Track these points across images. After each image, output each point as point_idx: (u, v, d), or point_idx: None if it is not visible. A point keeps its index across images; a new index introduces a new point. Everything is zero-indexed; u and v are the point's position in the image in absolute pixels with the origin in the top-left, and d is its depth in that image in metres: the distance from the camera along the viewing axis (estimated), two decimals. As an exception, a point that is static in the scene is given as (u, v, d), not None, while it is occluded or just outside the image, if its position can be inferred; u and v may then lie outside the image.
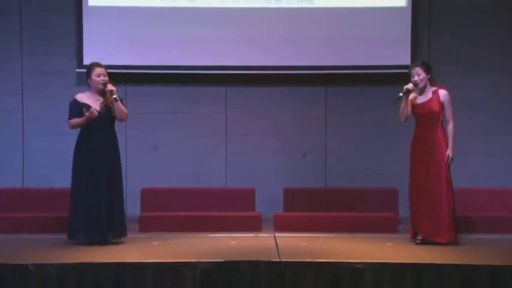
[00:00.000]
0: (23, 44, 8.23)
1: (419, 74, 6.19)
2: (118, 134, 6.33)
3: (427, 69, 6.24)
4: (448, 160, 6.15)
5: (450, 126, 6.22)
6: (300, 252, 5.75)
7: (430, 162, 6.17)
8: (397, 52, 8.08)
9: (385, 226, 7.01)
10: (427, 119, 6.21)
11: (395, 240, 6.44)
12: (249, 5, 8.17)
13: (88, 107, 6.08)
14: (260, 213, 7.28)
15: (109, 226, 6.12)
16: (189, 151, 8.29)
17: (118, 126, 6.37)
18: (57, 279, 5.06)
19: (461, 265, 5.18)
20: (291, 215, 7.29)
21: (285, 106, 8.34)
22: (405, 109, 6.24)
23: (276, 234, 6.73)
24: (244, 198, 7.49)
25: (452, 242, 6.10)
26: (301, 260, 5.25)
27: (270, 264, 5.20)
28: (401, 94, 6.17)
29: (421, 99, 6.25)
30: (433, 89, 6.26)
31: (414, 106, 6.24)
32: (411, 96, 6.23)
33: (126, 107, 6.30)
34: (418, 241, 6.18)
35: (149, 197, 7.48)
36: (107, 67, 6.30)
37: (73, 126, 6.18)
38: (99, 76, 6.15)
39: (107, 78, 6.17)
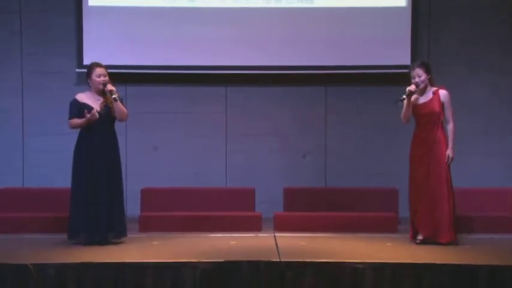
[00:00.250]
0: (23, 43, 8.23)
1: (420, 75, 6.19)
2: (118, 134, 6.33)
3: (428, 70, 6.24)
4: (448, 160, 6.15)
5: (450, 126, 6.23)
6: (300, 252, 5.76)
7: (430, 162, 6.17)
8: (397, 52, 8.08)
9: (385, 226, 7.01)
10: (427, 119, 6.21)
11: (395, 240, 6.44)
12: (248, 4, 8.17)
13: (88, 107, 6.08)
14: (260, 213, 7.28)
15: (109, 226, 6.12)
16: (189, 151, 8.29)
17: (118, 126, 6.37)
18: (57, 279, 5.06)
19: (461, 265, 5.19)
20: (291, 215, 7.29)
21: (285, 106, 8.33)
22: (407, 111, 6.24)
23: (276, 234, 6.73)
24: (244, 198, 7.49)
25: (453, 242, 6.11)
26: (301, 260, 5.26)
27: (270, 264, 5.20)
28: (404, 96, 6.17)
29: (421, 100, 6.26)
30: (433, 89, 6.26)
31: (415, 106, 6.24)
32: (413, 97, 6.23)
33: (126, 107, 6.30)
34: (418, 241, 6.18)
35: (149, 197, 7.48)
36: (107, 67, 6.30)
37: (73, 127, 6.18)
38: (99, 76, 6.15)
39: (107, 78, 6.18)
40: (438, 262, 5.22)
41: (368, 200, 7.49)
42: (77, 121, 6.12)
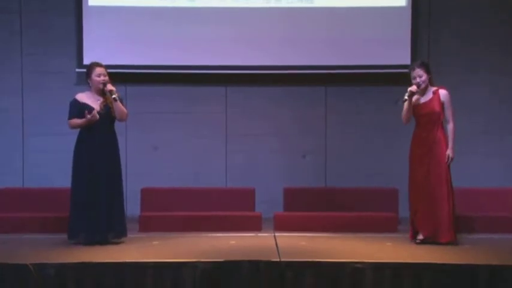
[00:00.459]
0: (23, 43, 8.23)
1: (420, 76, 6.19)
2: (118, 134, 6.33)
3: (428, 70, 6.24)
4: (448, 160, 6.15)
5: (450, 126, 6.23)
6: (300, 252, 5.76)
7: (430, 162, 6.17)
8: (397, 52, 8.08)
9: (385, 226, 7.01)
10: (427, 119, 6.21)
11: (395, 240, 6.44)
12: (248, 4, 8.17)
13: (88, 107, 6.08)
14: (260, 213, 7.28)
15: (109, 226, 6.12)
16: (189, 151, 8.29)
17: (118, 126, 6.37)
18: (57, 279, 5.06)
19: (461, 265, 5.19)
20: (291, 215, 7.29)
21: (285, 106, 8.33)
22: (408, 112, 6.24)
23: (276, 234, 6.73)
24: (244, 198, 7.49)
25: (452, 242, 6.11)
26: (301, 260, 5.26)
27: (270, 264, 5.20)
28: (406, 97, 6.17)
29: (421, 100, 6.26)
30: (433, 89, 6.26)
31: (415, 106, 6.24)
32: (414, 98, 6.23)
33: (126, 107, 6.30)
34: (418, 241, 6.18)
35: (149, 196, 7.48)
36: (107, 67, 6.30)
37: (73, 127, 6.18)
38: (99, 76, 6.15)
39: (107, 78, 6.18)
40: (438, 262, 5.22)
41: (368, 200, 7.49)
42: (77, 121, 6.12)
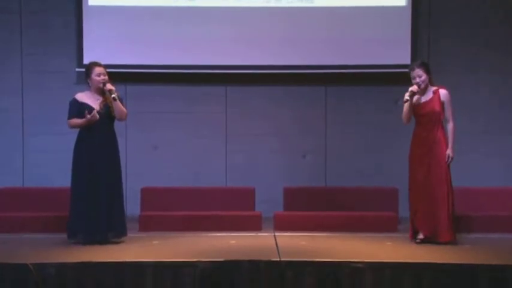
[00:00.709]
0: (22, 43, 8.23)
1: (420, 76, 6.19)
2: (118, 134, 6.33)
3: (427, 70, 6.25)
4: (448, 160, 6.16)
5: (450, 126, 6.23)
6: (300, 251, 5.76)
7: (430, 162, 6.18)
8: (397, 52, 8.08)
9: (385, 225, 7.01)
10: (427, 119, 6.21)
11: (395, 239, 6.45)
12: (249, 4, 8.17)
13: (88, 106, 6.08)
14: (260, 212, 7.28)
15: (109, 226, 6.12)
16: (189, 151, 8.29)
17: (118, 125, 6.37)
18: (57, 278, 5.06)
19: (461, 264, 5.19)
20: (291, 215, 7.29)
21: (285, 106, 8.33)
22: (409, 112, 6.23)
23: (276, 234, 6.73)
24: (244, 197, 7.49)
25: (452, 242, 6.11)
26: (301, 260, 5.26)
27: (270, 263, 5.20)
28: (407, 98, 6.17)
29: (421, 99, 6.26)
30: (433, 88, 6.26)
31: (415, 106, 6.25)
32: (415, 98, 6.23)
33: (125, 107, 6.30)
34: (418, 240, 6.18)
35: (149, 196, 7.48)
36: (107, 67, 6.30)
37: (72, 126, 6.18)
38: (99, 75, 6.15)
39: (106, 77, 6.18)
40: (438, 262, 5.22)
41: (368, 200, 7.49)
42: (76, 121, 6.12)
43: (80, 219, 6.08)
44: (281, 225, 7.10)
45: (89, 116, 6.00)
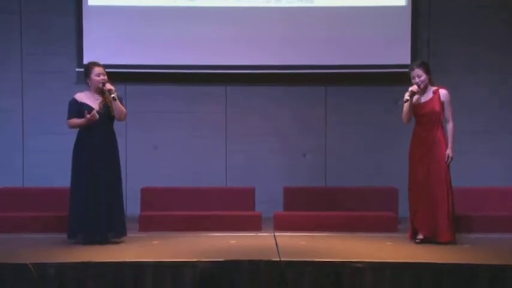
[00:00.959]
0: (22, 43, 8.23)
1: (420, 76, 6.19)
2: (118, 134, 6.34)
3: (427, 70, 6.24)
4: (448, 160, 6.16)
5: (450, 126, 6.23)
6: (300, 251, 5.76)
7: (430, 162, 6.18)
8: (397, 51, 8.08)
9: (385, 225, 7.01)
10: (427, 119, 6.21)
11: (395, 239, 6.44)
12: (249, 4, 8.17)
13: (87, 106, 6.08)
14: (260, 212, 7.28)
15: (109, 226, 6.12)
16: (189, 151, 8.29)
17: (118, 125, 6.38)
18: (57, 278, 5.06)
19: (461, 264, 5.19)
20: (290, 215, 7.29)
21: (285, 106, 8.33)
22: (409, 111, 6.23)
23: (276, 234, 6.73)
24: (244, 197, 7.49)
25: (452, 242, 6.10)
26: (301, 260, 5.26)
27: (270, 263, 5.20)
28: (407, 97, 6.16)
29: (421, 99, 6.26)
30: (433, 88, 6.26)
31: (415, 106, 6.24)
32: (415, 98, 6.23)
33: (125, 107, 6.30)
34: (417, 240, 6.18)
35: (149, 196, 7.48)
36: (106, 67, 6.31)
37: (72, 126, 6.18)
38: (98, 75, 6.15)
39: (106, 77, 6.18)
40: (438, 262, 5.22)
41: (368, 200, 7.49)
42: (76, 121, 6.12)
43: (79, 219, 6.08)
44: (281, 225, 7.10)
45: (88, 116, 6.00)
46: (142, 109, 8.14)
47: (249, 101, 8.34)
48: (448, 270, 5.12)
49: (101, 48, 8.02)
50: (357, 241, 6.37)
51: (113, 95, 6.10)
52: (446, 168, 6.17)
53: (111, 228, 6.15)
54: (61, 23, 8.21)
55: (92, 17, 8.12)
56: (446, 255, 5.57)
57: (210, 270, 5.13)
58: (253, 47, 8.14)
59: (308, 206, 7.41)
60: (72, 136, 6.26)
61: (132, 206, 7.45)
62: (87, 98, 6.19)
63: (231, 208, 7.35)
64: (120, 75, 7.76)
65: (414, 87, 6.19)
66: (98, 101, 6.16)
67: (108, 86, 6.13)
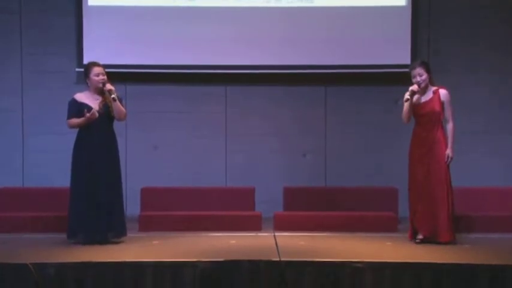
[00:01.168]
0: (22, 43, 8.23)
1: (421, 75, 6.19)
2: (118, 134, 6.34)
3: (428, 69, 6.25)
4: (447, 160, 6.16)
5: (450, 126, 6.23)
6: (300, 251, 5.76)
7: (430, 162, 6.18)
8: (397, 51, 8.08)
9: (385, 225, 7.01)
10: (427, 119, 6.21)
11: (395, 239, 6.44)
12: (249, 4, 8.17)
13: (87, 106, 6.09)
14: (260, 212, 7.28)
15: (109, 226, 6.12)
16: (189, 151, 8.29)
17: (118, 125, 6.38)
18: (57, 278, 5.06)
19: (461, 264, 5.19)
20: (290, 215, 7.29)
21: (285, 106, 8.33)
22: (409, 111, 6.23)
23: (276, 234, 6.73)
24: (244, 197, 7.49)
25: (452, 242, 6.10)
26: (301, 260, 5.26)
27: (270, 263, 5.20)
28: (408, 97, 6.16)
29: (421, 99, 6.26)
30: (434, 88, 6.26)
31: (415, 106, 6.24)
32: (415, 97, 6.23)
33: (125, 107, 6.30)
34: (417, 240, 6.18)
35: (149, 196, 7.48)
36: (107, 67, 6.31)
37: (72, 126, 6.19)
38: (97, 75, 6.15)
39: (105, 77, 6.18)
40: (438, 262, 5.22)
41: (368, 200, 7.49)
42: (76, 121, 6.12)
43: (79, 219, 6.08)
44: (281, 225, 7.10)
45: (88, 115, 6.00)
46: (142, 109, 8.14)
47: (249, 101, 8.33)
48: (448, 270, 5.12)
49: (101, 48, 8.02)
50: (357, 241, 6.37)
51: (112, 96, 6.10)
52: (446, 168, 6.16)
53: (111, 228, 6.15)
54: (61, 23, 8.20)
55: (92, 17, 8.12)
56: (446, 255, 5.57)
57: (210, 270, 5.13)
58: (253, 47, 8.13)
59: (308, 206, 7.41)
60: (72, 136, 6.26)
61: (132, 206, 7.45)
62: (87, 98, 6.19)
63: (231, 208, 7.35)
64: (120, 75, 7.76)
65: (415, 87, 6.19)
66: (98, 101, 6.16)
67: (108, 86, 6.13)
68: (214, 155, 8.31)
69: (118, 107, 6.15)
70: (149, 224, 7.04)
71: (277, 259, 5.27)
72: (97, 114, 6.04)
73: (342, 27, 8.14)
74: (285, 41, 8.13)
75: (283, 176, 8.15)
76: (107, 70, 6.28)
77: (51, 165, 7.96)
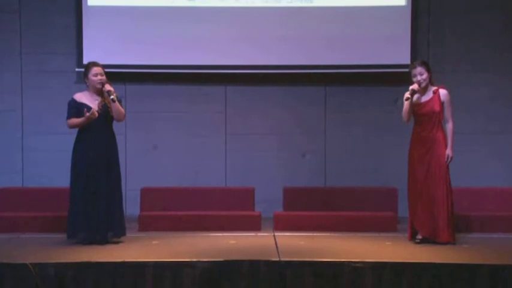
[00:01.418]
0: (22, 43, 8.22)
1: (422, 74, 6.19)
2: (117, 133, 6.34)
3: (428, 68, 6.25)
4: (447, 160, 6.16)
5: (449, 126, 6.23)
6: (300, 251, 5.76)
7: (429, 162, 6.18)
8: (396, 51, 8.06)
9: (385, 225, 7.01)
10: (427, 119, 6.21)
11: (394, 239, 6.45)
12: (248, 4, 8.16)
13: (86, 106, 6.08)
14: (260, 212, 7.28)
15: (108, 226, 6.12)
16: (189, 150, 8.28)
17: (117, 125, 6.37)
18: (57, 278, 5.06)
19: (461, 264, 5.19)
20: (290, 215, 7.29)
21: (285, 106, 8.32)
22: (410, 110, 6.23)
23: (276, 234, 6.74)
24: (244, 197, 7.49)
25: (451, 242, 6.10)
26: (300, 259, 5.26)
27: (269, 263, 5.20)
28: (409, 95, 6.16)
29: (422, 99, 6.26)
30: (434, 88, 6.27)
31: (415, 105, 6.24)
32: (415, 96, 6.23)
33: (125, 107, 6.30)
34: (417, 240, 6.18)
35: (149, 196, 7.47)
36: (106, 67, 6.30)
37: (72, 126, 6.18)
38: (95, 75, 6.15)
39: (104, 77, 6.17)
40: (438, 261, 5.22)
41: (367, 200, 7.49)
42: (75, 120, 6.12)
43: (79, 219, 6.08)
44: (281, 225, 7.10)
45: (87, 114, 6.00)
46: (142, 109, 8.14)
47: (249, 101, 8.33)
48: (448, 270, 5.12)
49: (100, 48, 8.02)
50: (357, 241, 6.37)
51: (111, 97, 6.09)
52: (446, 169, 6.17)
53: (111, 228, 6.15)
54: (61, 22, 8.19)
55: (91, 17, 8.11)
56: (446, 255, 5.57)
57: (210, 270, 5.13)
58: (253, 46, 8.13)
59: (308, 206, 7.41)
60: (72, 136, 6.26)
61: (131, 206, 7.45)
62: (86, 98, 6.19)
63: (230, 208, 7.35)
64: (120, 75, 7.76)
65: (415, 86, 6.19)
66: (97, 101, 6.16)
67: (107, 87, 6.12)
68: (214, 155, 8.31)
69: (117, 107, 6.14)
70: (149, 224, 7.04)
71: (277, 259, 5.27)
72: (97, 114, 6.05)
73: (341, 27, 8.13)
74: (284, 40, 8.12)
75: (283, 176, 8.15)
76: (107, 70, 6.28)
77: (51, 165, 7.96)
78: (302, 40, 8.13)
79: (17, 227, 6.90)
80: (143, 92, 8.24)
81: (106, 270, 5.14)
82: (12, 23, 8.19)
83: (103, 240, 6.07)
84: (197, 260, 5.21)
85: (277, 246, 5.96)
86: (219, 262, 5.20)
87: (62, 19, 8.18)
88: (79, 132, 6.17)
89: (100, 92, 6.17)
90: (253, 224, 7.07)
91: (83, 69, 6.48)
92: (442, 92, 6.24)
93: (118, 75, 7.44)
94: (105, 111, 6.14)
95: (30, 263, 5.07)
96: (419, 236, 6.20)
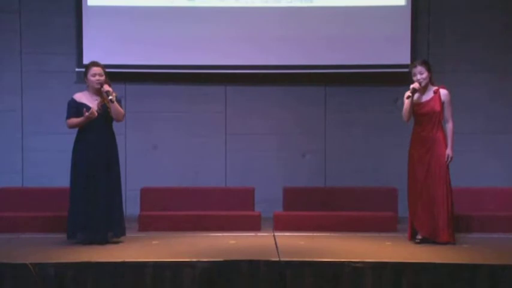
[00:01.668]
0: (22, 42, 8.21)
1: (422, 73, 6.19)
2: (117, 133, 6.34)
3: (429, 68, 6.25)
4: (447, 160, 6.16)
5: (449, 126, 6.23)
6: (300, 251, 5.76)
7: (429, 162, 6.18)
8: (396, 51, 8.06)
9: (385, 225, 7.01)
10: (427, 119, 6.21)
11: (394, 239, 6.45)
12: (248, 4, 8.16)
13: (86, 106, 6.09)
14: (259, 212, 7.28)
15: (108, 225, 6.13)
16: (189, 150, 8.28)
17: (117, 125, 6.38)
18: (57, 278, 5.06)
19: (461, 264, 5.19)
20: (290, 215, 7.29)
21: (285, 106, 8.32)
22: (410, 109, 6.22)
23: (276, 234, 6.74)
24: (244, 197, 7.49)
25: (451, 242, 6.10)
26: (300, 260, 5.26)
27: (269, 263, 5.20)
28: (410, 95, 6.16)
29: (422, 99, 6.26)
30: (434, 88, 6.27)
31: (415, 105, 6.24)
32: (416, 96, 6.23)
33: (124, 107, 6.30)
34: (417, 240, 6.18)
35: (149, 196, 7.47)
36: (106, 67, 6.30)
37: (71, 126, 6.19)
38: (94, 76, 6.14)
39: (102, 78, 6.16)
40: (438, 261, 5.22)
41: (367, 200, 7.49)
42: (75, 120, 6.12)
43: (79, 219, 6.08)
44: (280, 225, 7.10)
45: (87, 114, 6.00)
46: (141, 109, 8.14)
47: (249, 101, 8.33)
48: (448, 270, 5.12)
49: (100, 48, 8.01)
50: (357, 241, 6.37)
51: (110, 97, 6.09)
52: (446, 169, 6.17)
53: (111, 228, 6.15)
54: (61, 22, 8.19)
55: (91, 17, 8.11)
56: (446, 255, 5.57)
57: (210, 270, 5.13)
58: (252, 46, 8.12)
59: (308, 206, 7.41)
60: (71, 136, 6.27)
61: (131, 206, 7.46)
62: (86, 98, 6.19)
63: (230, 208, 7.35)
64: (120, 75, 7.76)
65: (416, 85, 6.19)
66: (97, 101, 6.16)
67: (106, 87, 6.12)
68: (214, 154, 8.31)
69: (116, 108, 6.14)
70: (149, 224, 7.04)
71: (277, 259, 5.27)
72: (96, 114, 6.05)
73: (341, 27, 8.13)
74: (284, 40, 8.12)
75: (283, 176, 8.15)
76: (107, 70, 6.28)
77: (51, 165, 7.96)
78: (302, 40, 8.13)
79: (17, 227, 6.90)
80: (143, 92, 8.24)
81: (106, 270, 5.14)
82: (12, 23, 8.19)
83: (103, 240, 6.07)
84: (197, 260, 5.21)
85: (277, 246, 5.96)
86: (219, 262, 5.20)
87: (62, 19, 8.18)
88: (79, 132, 6.18)
89: (99, 92, 6.17)
90: (253, 224, 7.07)
91: (83, 69, 6.49)
92: (443, 91, 6.24)
93: (118, 75, 7.44)
94: (105, 111, 6.14)
95: (30, 263, 5.07)
96: (419, 236, 6.20)
